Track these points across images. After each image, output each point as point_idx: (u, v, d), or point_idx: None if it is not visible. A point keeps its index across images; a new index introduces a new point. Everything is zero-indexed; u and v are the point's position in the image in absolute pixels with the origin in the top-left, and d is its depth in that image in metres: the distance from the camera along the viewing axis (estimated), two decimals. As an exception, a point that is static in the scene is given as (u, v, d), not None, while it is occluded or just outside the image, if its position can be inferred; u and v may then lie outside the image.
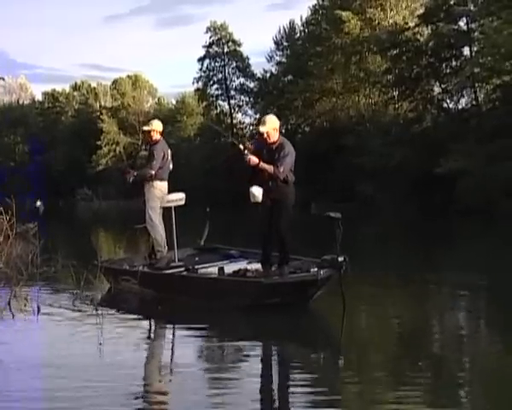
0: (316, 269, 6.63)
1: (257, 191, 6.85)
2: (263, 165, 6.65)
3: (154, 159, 8.04)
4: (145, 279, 7.69)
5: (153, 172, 8.04)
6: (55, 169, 57.17)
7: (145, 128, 8.57)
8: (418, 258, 11.94)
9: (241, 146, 6.79)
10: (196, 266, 7.77)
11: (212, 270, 7.59)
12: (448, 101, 30.80)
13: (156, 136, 8.34)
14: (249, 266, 7.39)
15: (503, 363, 5.16)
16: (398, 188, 26.56)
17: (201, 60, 46.62)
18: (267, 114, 7.07)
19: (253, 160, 6.63)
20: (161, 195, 8.15)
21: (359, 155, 28.94)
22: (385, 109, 33.81)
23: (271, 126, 6.76)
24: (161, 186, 8.16)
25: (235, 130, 46.77)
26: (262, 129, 6.73)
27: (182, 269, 7.88)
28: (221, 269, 7.32)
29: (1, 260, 7.95)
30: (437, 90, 31.26)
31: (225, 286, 7.10)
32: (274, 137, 6.77)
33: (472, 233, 17.80)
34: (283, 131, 43.02)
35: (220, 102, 47.36)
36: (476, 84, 27.80)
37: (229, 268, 7.46)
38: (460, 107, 30.39)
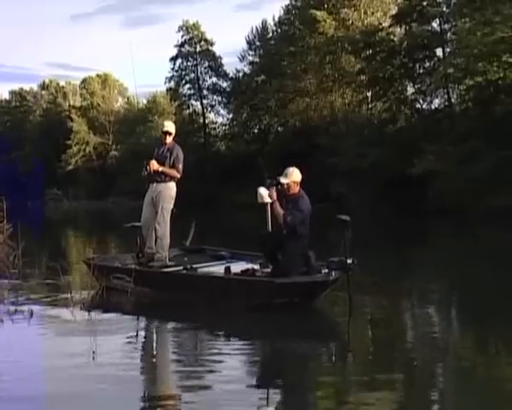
0: (326, 270, 6.67)
1: (264, 192, 7.00)
2: (277, 206, 6.90)
3: (181, 162, 7.99)
4: (141, 278, 7.48)
5: (179, 176, 7.99)
6: (23, 169, 56.00)
7: (172, 131, 8.16)
8: (394, 258, 11.85)
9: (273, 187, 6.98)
10: (194, 266, 7.64)
11: (213, 269, 7.53)
12: (421, 101, 31.03)
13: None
14: (255, 267, 7.37)
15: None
16: (372, 188, 26.58)
17: (173, 59, 46.25)
18: (290, 166, 7.16)
19: (273, 195, 6.93)
20: (174, 196, 8.06)
21: (333, 155, 28.91)
22: (359, 110, 33.89)
23: (292, 179, 6.97)
24: (174, 187, 8.07)
25: (207, 130, 46.44)
26: (283, 180, 6.94)
27: (180, 268, 7.71)
28: (227, 268, 7.26)
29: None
30: (410, 90, 31.48)
31: (235, 286, 6.99)
32: (294, 189, 6.98)
33: (445, 233, 17.93)
34: (256, 131, 42.97)
35: (193, 101, 47.18)
36: (449, 85, 27.98)
37: (232, 268, 7.38)
38: (433, 107, 30.65)
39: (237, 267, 7.42)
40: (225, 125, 46.21)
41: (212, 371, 5.02)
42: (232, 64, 57.55)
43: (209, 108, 47.07)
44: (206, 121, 46.84)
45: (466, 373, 4.87)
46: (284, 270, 6.74)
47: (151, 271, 7.75)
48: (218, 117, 47.39)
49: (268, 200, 7.01)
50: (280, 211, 6.85)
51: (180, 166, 7.98)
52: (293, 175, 6.96)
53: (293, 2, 39.55)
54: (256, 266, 7.33)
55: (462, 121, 25.75)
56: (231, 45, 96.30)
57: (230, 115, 45.49)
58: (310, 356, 5.57)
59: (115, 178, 48.78)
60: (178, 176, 8.01)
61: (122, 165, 48.40)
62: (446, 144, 24.44)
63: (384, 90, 31.16)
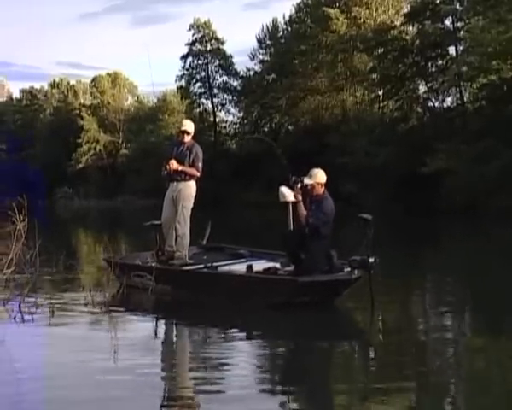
0: (349, 269, 6.68)
1: (286, 191, 6.99)
2: (301, 206, 6.88)
3: (200, 161, 8.04)
4: (162, 276, 7.48)
5: (198, 175, 8.04)
6: (34, 168, 56.18)
7: (190, 130, 8.21)
8: (406, 258, 11.81)
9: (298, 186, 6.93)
10: (214, 264, 7.63)
11: (234, 268, 7.53)
12: (433, 100, 30.89)
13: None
14: (277, 265, 7.35)
15: None
16: (383, 187, 26.50)
17: (184, 57, 46.30)
18: (315, 167, 7.18)
19: (298, 196, 6.88)
20: (194, 194, 8.12)
21: (344, 154, 28.80)
22: (370, 108, 33.77)
23: (316, 181, 6.97)
24: (194, 186, 8.13)
25: (217, 128, 46.44)
26: (307, 181, 6.93)
27: (201, 266, 7.70)
28: (250, 267, 7.25)
29: (12, 263, 7.54)
30: (422, 89, 31.36)
31: (258, 284, 6.97)
32: (318, 191, 6.97)
33: (456, 232, 17.85)
34: (266, 130, 42.92)
35: (203, 100, 47.24)
36: (462, 83, 27.83)
37: (254, 267, 7.36)
38: (445, 106, 30.51)
39: (258, 266, 7.40)
40: (236, 123, 46.27)
41: (232, 371, 5.00)
42: (242, 63, 57.60)
43: (219, 107, 47.11)
44: (217, 120, 46.85)
45: (483, 378, 4.80)
46: (307, 269, 6.73)
47: (172, 269, 7.77)
48: (229, 116, 47.46)
49: (290, 199, 6.98)
50: (303, 212, 6.84)
51: (200, 165, 8.01)
52: (318, 176, 6.95)
53: (305, 1, 39.50)
54: (277, 265, 7.32)
55: (475, 120, 25.62)
56: (240, 44, 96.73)
57: (241, 114, 45.51)
58: (331, 357, 5.54)
59: (125, 177, 48.88)
60: (198, 174, 8.04)
61: (132, 163, 48.50)
62: (458, 143, 24.33)
63: (396, 89, 31.05)
